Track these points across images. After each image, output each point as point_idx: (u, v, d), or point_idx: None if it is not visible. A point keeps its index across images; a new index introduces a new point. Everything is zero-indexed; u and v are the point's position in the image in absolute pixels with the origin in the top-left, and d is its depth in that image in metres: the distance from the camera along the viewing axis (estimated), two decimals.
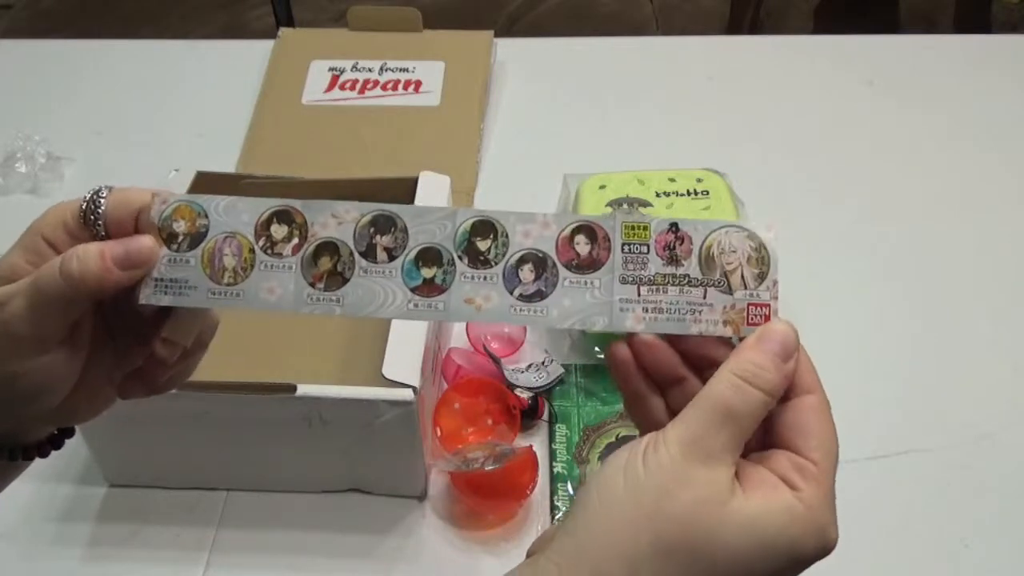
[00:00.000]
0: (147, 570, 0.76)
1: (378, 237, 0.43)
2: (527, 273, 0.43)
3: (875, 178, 1.08)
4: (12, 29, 2.68)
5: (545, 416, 0.84)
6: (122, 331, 0.46)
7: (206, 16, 2.66)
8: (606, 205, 0.87)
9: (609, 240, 0.43)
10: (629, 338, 0.44)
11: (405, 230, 0.43)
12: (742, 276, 0.44)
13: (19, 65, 1.29)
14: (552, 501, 0.78)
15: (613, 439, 0.82)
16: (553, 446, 0.82)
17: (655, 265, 0.43)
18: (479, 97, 1.16)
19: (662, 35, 2.48)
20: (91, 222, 0.43)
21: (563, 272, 0.43)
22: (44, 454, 0.50)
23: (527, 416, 0.82)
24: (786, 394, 0.43)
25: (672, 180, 0.90)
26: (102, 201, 0.43)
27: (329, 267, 0.42)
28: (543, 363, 0.86)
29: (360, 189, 0.89)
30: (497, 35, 1.24)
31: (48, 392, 0.44)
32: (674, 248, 0.44)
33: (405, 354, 0.73)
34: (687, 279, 0.43)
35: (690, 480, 0.40)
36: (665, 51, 1.32)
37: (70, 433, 0.52)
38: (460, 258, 0.42)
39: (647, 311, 0.43)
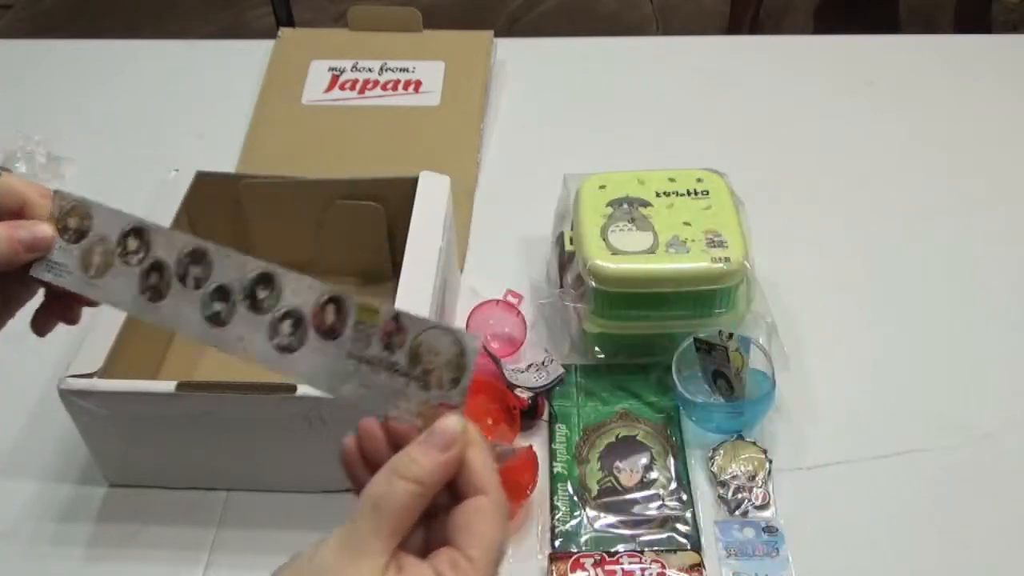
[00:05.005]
0: (147, 570, 0.76)
1: (192, 268, 0.50)
2: (286, 327, 0.48)
3: (875, 178, 1.08)
4: (12, 29, 2.68)
5: (545, 416, 0.84)
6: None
7: (206, 16, 2.66)
8: (606, 205, 0.87)
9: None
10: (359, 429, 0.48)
11: (211, 266, 0.50)
12: (440, 377, 0.46)
13: (19, 65, 1.29)
14: (552, 501, 0.78)
15: (613, 439, 0.82)
16: (553, 446, 0.82)
17: (376, 348, 0.47)
18: (479, 97, 1.16)
19: (662, 35, 2.48)
20: None
21: (311, 334, 0.48)
22: None
23: (527, 416, 0.82)
24: (460, 495, 0.45)
25: (672, 180, 0.90)
26: None
27: (154, 283, 0.50)
28: (543, 363, 0.86)
29: (360, 189, 0.89)
30: (497, 35, 1.24)
31: None
32: (393, 337, 0.47)
33: None
34: (396, 367, 0.47)
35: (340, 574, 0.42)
36: (665, 51, 1.32)
37: None
38: (242, 302, 0.49)
39: (361, 386, 0.47)
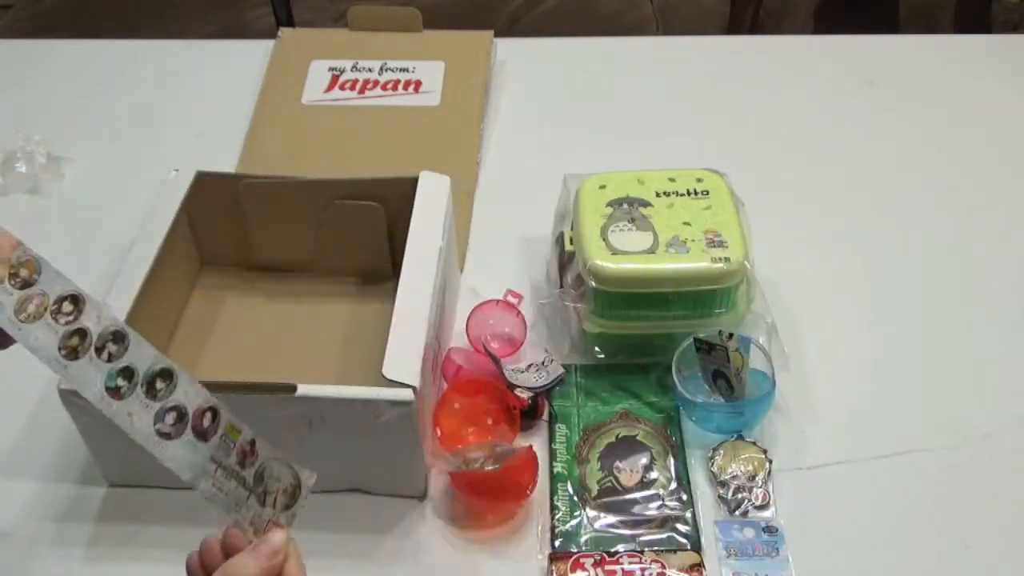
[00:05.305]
0: (147, 570, 0.76)
1: (110, 344, 0.58)
2: (170, 418, 0.57)
3: (875, 178, 1.08)
4: (12, 29, 2.68)
5: (545, 416, 0.84)
6: None
7: (206, 16, 2.66)
8: (606, 205, 0.87)
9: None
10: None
11: (126, 348, 0.58)
12: (275, 500, 0.59)
13: (19, 65, 1.29)
14: (552, 501, 0.78)
15: (613, 439, 0.82)
16: (553, 446, 0.82)
17: (232, 460, 0.58)
18: (479, 97, 1.16)
19: (662, 35, 2.48)
20: None
21: (188, 430, 0.58)
22: None
23: (527, 416, 0.82)
24: None
25: (672, 180, 0.90)
26: None
27: (74, 344, 0.57)
28: (543, 363, 0.86)
29: (360, 189, 0.89)
30: (497, 35, 1.24)
31: None
32: (247, 456, 0.59)
33: (405, 354, 0.73)
34: (244, 481, 0.58)
35: None
36: (665, 51, 1.32)
37: None
38: (141, 385, 0.57)
39: (215, 486, 0.57)
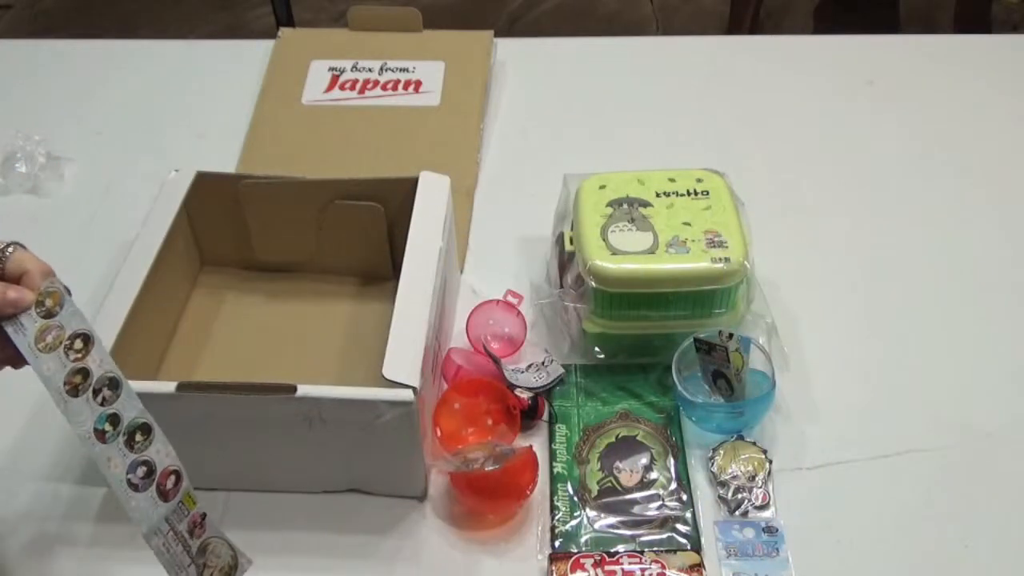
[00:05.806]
0: (147, 570, 0.75)
1: (106, 389, 0.62)
2: (141, 471, 0.61)
3: (875, 178, 1.08)
4: (12, 29, 2.68)
5: (545, 416, 0.84)
6: None
7: (206, 16, 2.66)
8: (606, 205, 0.87)
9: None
10: None
11: (118, 396, 0.62)
12: (212, 573, 0.63)
13: (19, 65, 1.29)
14: (552, 501, 0.78)
15: (613, 439, 0.82)
16: (553, 446, 0.82)
17: (183, 527, 0.62)
18: (479, 97, 1.16)
19: (662, 35, 2.48)
20: None
21: (153, 487, 0.61)
22: None
23: (527, 416, 0.82)
24: None
25: (672, 180, 0.90)
26: (8, 253, 0.63)
27: (77, 382, 0.61)
28: (543, 363, 0.86)
29: (360, 189, 0.89)
30: (497, 35, 1.24)
31: None
32: (196, 527, 0.63)
33: (405, 354, 0.73)
34: (189, 549, 0.62)
35: None
36: (665, 51, 1.32)
37: None
38: (123, 434, 0.61)
39: (164, 545, 0.61)
